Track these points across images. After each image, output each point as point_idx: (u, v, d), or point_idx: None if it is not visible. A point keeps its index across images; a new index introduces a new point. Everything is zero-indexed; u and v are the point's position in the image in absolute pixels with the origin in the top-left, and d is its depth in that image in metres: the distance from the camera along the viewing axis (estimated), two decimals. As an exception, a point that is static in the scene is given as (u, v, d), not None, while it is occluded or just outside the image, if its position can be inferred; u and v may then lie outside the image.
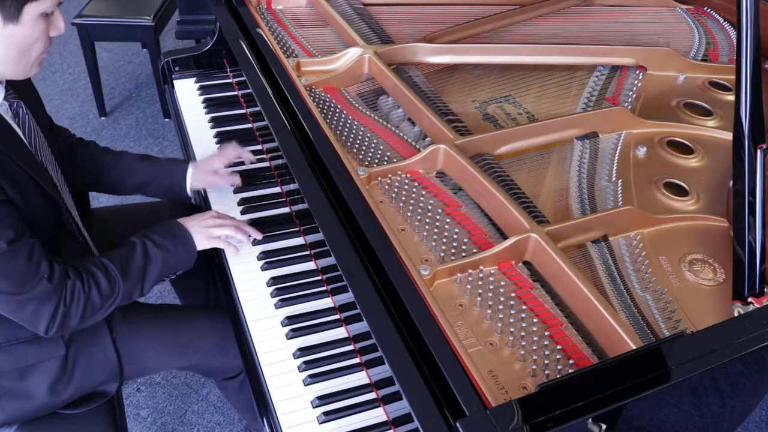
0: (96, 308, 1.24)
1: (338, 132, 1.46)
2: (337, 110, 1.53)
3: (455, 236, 1.21)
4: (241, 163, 1.65)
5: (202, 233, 1.38)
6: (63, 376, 1.32)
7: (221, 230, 1.39)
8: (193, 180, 1.56)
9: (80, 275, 1.22)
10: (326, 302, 1.34)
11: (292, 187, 1.49)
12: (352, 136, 1.45)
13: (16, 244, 1.12)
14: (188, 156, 1.76)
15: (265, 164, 1.68)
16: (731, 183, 1.25)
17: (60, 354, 1.32)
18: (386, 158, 1.39)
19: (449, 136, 1.38)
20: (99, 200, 2.85)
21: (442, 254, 1.18)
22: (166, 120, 3.33)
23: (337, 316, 1.31)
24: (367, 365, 1.21)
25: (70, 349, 1.33)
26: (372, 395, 1.18)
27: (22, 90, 1.29)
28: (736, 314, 1.09)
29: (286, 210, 1.54)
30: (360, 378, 1.21)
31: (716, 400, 1.12)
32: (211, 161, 1.57)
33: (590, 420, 0.88)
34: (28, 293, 1.15)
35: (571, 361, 1.02)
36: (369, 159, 1.39)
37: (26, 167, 1.18)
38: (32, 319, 1.19)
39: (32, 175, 1.19)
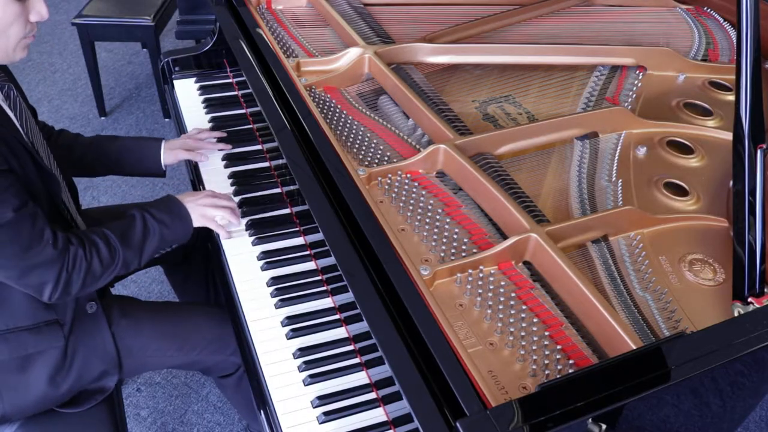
0: (96, 275, 1.27)
1: (338, 132, 1.46)
2: (337, 110, 1.53)
3: (455, 236, 1.21)
4: (244, 160, 1.66)
5: (197, 210, 1.42)
6: (62, 367, 1.33)
7: (215, 211, 1.43)
8: (165, 154, 1.63)
9: (82, 242, 1.25)
10: (326, 302, 1.34)
11: (292, 187, 1.49)
12: (352, 136, 1.45)
13: (22, 212, 1.15)
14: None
15: (265, 164, 1.68)
16: (731, 183, 1.26)
17: (59, 344, 1.33)
18: (386, 158, 1.39)
19: (449, 136, 1.38)
20: (99, 201, 2.85)
21: (442, 254, 1.18)
22: (166, 120, 3.33)
23: (337, 316, 1.31)
24: (367, 365, 1.21)
25: (69, 339, 1.34)
26: (372, 395, 1.18)
27: (6, 76, 1.30)
28: (736, 314, 1.09)
29: (286, 210, 1.54)
30: (360, 378, 1.21)
31: (716, 400, 1.12)
32: (182, 144, 1.67)
33: (590, 420, 0.88)
34: (34, 258, 1.18)
35: (571, 361, 1.02)
36: (369, 159, 1.39)
37: (21, 141, 1.21)
38: (37, 284, 1.21)
39: (28, 150, 1.22)
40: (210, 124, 1.82)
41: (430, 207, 1.27)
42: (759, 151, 1.17)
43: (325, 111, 1.51)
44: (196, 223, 1.42)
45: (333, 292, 1.34)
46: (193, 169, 1.69)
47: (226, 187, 1.62)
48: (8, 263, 1.18)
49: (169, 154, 1.64)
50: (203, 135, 1.70)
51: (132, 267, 1.34)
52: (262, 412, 1.20)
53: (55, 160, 1.38)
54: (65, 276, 1.22)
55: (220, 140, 1.71)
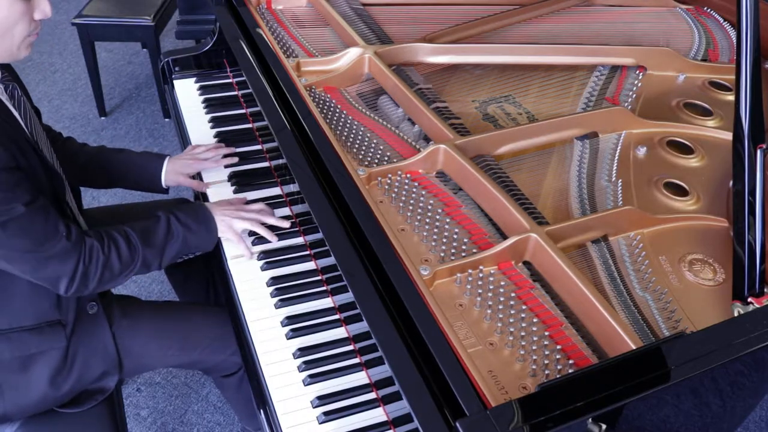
0: (115, 272, 1.27)
1: (338, 132, 1.46)
2: (337, 110, 1.53)
3: (455, 236, 1.21)
4: (244, 160, 1.66)
5: (225, 222, 1.40)
6: (63, 368, 1.33)
7: (242, 224, 1.41)
8: (167, 175, 1.61)
9: (100, 237, 1.26)
10: (326, 302, 1.34)
11: (292, 187, 1.49)
12: (352, 136, 1.45)
13: (33, 206, 1.15)
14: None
15: (265, 164, 1.68)
16: (731, 183, 1.26)
17: (61, 345, 1.33)
18: (386, 158, 1.39)
19: (449, 136, 1.38)
20: (99, 201, 2.85)
21: (442, 254, 1.18)
22: (166, 120, 3.33)
23: (337, 316, 1.31)
24: (367, 365, 1.21)
25: (71, 340, 1.34)
26: (372, 395, 1.18)
27: (11, 76, 1.30)
28: (736, 314, 1.09)
29: (286, 210, 1.54)
30: (360, 378, 1.21)
31: (716, 400, 1.12)
32: (185, 166, 1.61)
33: (590, 420, 0.88)
34: (49, 251, 1.18)
35: (571, 361, 1.02)
36: (369, 159, 1.39)
37: (28, 139, 1.21)
38: (53, 277, 1.22)
39: (34, 147, 1.22)
40: (211, 125, 1.82)
41: (430, 207, 1.27)
42: (759, 151, 1.17)
43: (325, 111, 1.51)
44: (223, 234, 1.41)
45: (333, 292, 1.34)
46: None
47: (226, 187, 1.62)
48: (22, 257, 1.18)
49: (172, 175, 1.61)
50: (209, 154, 1.64)
51: (153, 268, 1.34)
52: (261, 411, 1.20)
53: (58, 160, 1.38)
54: (82, 269, 1.22)
55: (225, 155, 1.67)
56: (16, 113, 1.24)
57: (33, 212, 1.16)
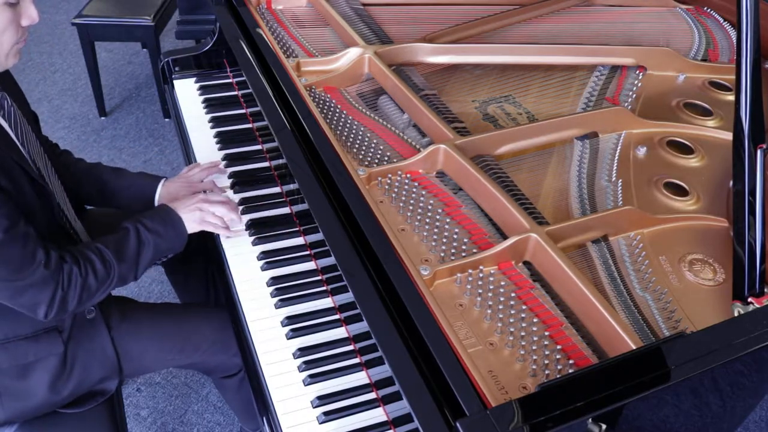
0: (92, 292, 1.25)
1: (338, 132, 1.46)
2: (337, 110, 1.53)
3: (455, 236, 1.21)
4: (244, 160, 1.66)
5: (192, 216, 1.39)
6: (63, 373, 1.33)
7: (210, 212, 1.41)
8: (161, 199, 1.57)
9: (77, 260, 1.24)
10: (326, 302, 1.34)
11: (292, 187, 1.49)
12: (352, 136, 1.45)
13: (12, 233, 1.13)
14: (188, 157, 1.77)
15: (265, 164, 1.68)
16: (731, 183, 1.26)
17: (59, 351, 1.32)
18: (386, 158, 1.39)
19: (449, 136, 1.38)
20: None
21: (442, 254, 1.18)
22: (166, 120, 3.33)
23: (337, 316, 1.31)
24: (367, 365, 1.21)
25: (69, 346, 1.34)
26: (372, 395, 1.18)
27: (3, 84, 1.28)
28: (736, 314, 1.09)
29: (286, 210, 1.54)
30: (360, 378, 1.21)
31: (716, 400, 1.12)
32: (180, 189, 1.56)
33: (590, 420, 0.88)
34: (26, 279, 1.16)
35: (571, 361, 1.02)
36: (369, 159, 1.39)
37: (14, 158, 1.19)
38: (31, 304, 1.20)
39: (22, 166, 1.20)
40: (211, 125, 1.82)
41: (430, 207, 1.27)
42: (759, 151, 1.17)
43: (325, 111, 1.52)
44: (192, 228, 1.40)
45: (333, 292, 1.34)
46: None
47: (225, 185, 1.61)
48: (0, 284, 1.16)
49: (166, 199, 1.54)
50: (203, 174, 1.60)
51: (128, 281, 1.33)
52: (261, 411, 1.20)
53: (53, 167, 1.37)
54: (60, 294, 1.20)
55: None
56: (6, 124, 1.23)
57: (11, 239, 1.13)
